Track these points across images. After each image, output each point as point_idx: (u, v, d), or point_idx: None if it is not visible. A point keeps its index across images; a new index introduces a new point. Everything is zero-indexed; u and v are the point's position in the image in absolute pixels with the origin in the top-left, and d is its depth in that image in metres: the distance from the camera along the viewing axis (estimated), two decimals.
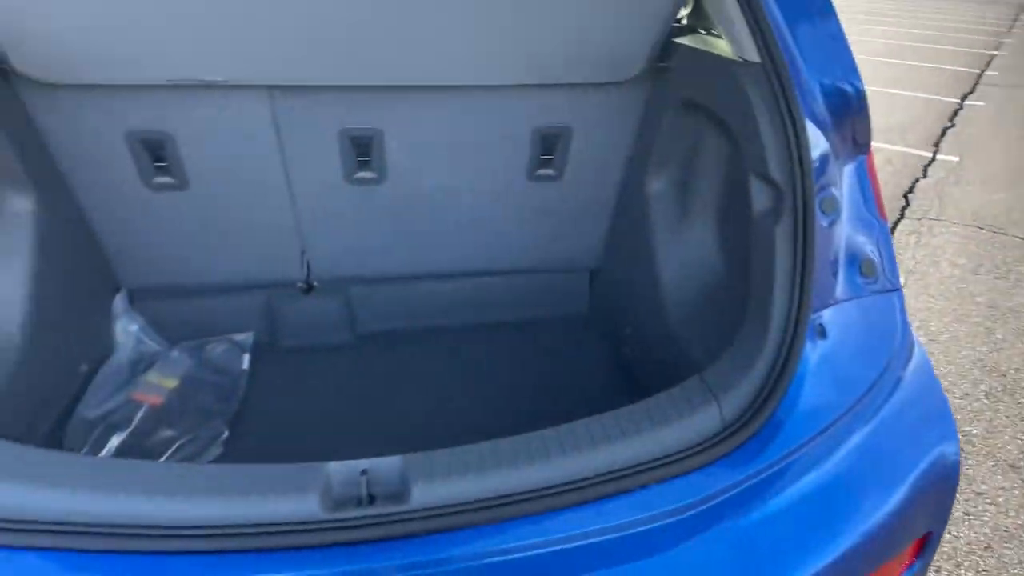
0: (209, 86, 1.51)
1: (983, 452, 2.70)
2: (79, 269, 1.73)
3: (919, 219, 4.84)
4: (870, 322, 1.30)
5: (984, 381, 3.11)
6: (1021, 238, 4.60)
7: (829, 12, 1.29)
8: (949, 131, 7.14)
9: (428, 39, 1.44)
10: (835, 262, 1.28)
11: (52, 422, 1.58)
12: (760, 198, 1.27)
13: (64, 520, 0.91)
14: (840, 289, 1.28)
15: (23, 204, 1.50)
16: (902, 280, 3.94)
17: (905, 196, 5.24)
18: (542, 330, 2.18)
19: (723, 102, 1.37)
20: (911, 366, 1.30)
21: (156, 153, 1.67)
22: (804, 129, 1.20)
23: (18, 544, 0.90)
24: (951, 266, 4.19)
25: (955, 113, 7.91)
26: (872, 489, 1.17)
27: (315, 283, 2.05)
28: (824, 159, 1.28)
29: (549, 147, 1.84)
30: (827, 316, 1.25)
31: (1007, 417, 2.89)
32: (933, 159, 6.16)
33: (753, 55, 1.25)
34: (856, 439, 1.19)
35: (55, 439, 1.58)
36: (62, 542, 0.90)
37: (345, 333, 2.11)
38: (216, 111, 1.61)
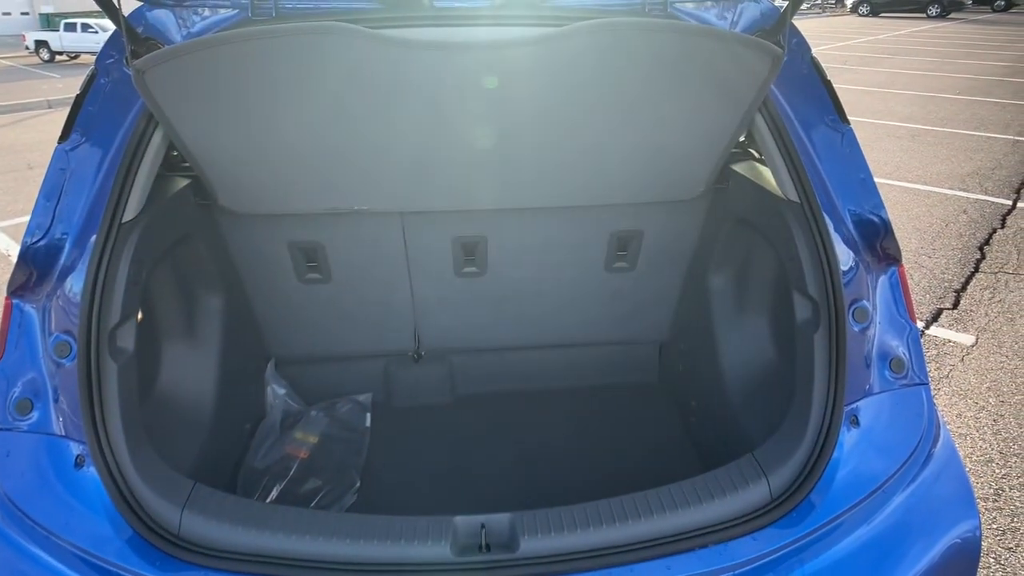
0: (357, 211, 1.94)
1: None
2: (245, 346, 2.18)
3: (995, 273, 4.83)
4: (899, 411, 1.54)
5: None
6: None
7: (860, 161, 1.58)
8: None
9: (527, 178, 1.81)
10: (868, 361, 1.54)
11: (229, 472, 2.01)
12: (801, 309, 1.56)
13: (279, 556, 1.28)
14: (872, 383, 1.53)
15: (215, 302, 1.95)
16: (973, 339, 4.00)
17: (981, 248, 5.23)
18: (617, 395, 2.49)
19: (770, 228, 1.67)
20: (937, 449, 1.53)
21: (309, 256, 2.11)
22: (836, 257, 1.49)
23: (244, 571, 1.27)
24: None
25: None
26: (901, 557, 1.40)
27: (423, 353, 2.44)
28: (856, 275, 1.55)
29: (623, 245, 2.19)
30: (861, 406, 1.51)
31: None
32: (1013, 208, 6.09)
33: (793, 196, 1.55)
34: (888, 511, 1.43)
35: (231, 485, 2.00)
36: (271, 570, 1.27)
37: (447, 395, 2.49)
38: (359, 227, 2.04)
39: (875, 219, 1.56)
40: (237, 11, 1.69)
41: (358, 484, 2.06)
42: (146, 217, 1.56)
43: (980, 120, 9.51)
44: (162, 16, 1.68)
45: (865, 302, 1.54)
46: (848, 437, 1.48)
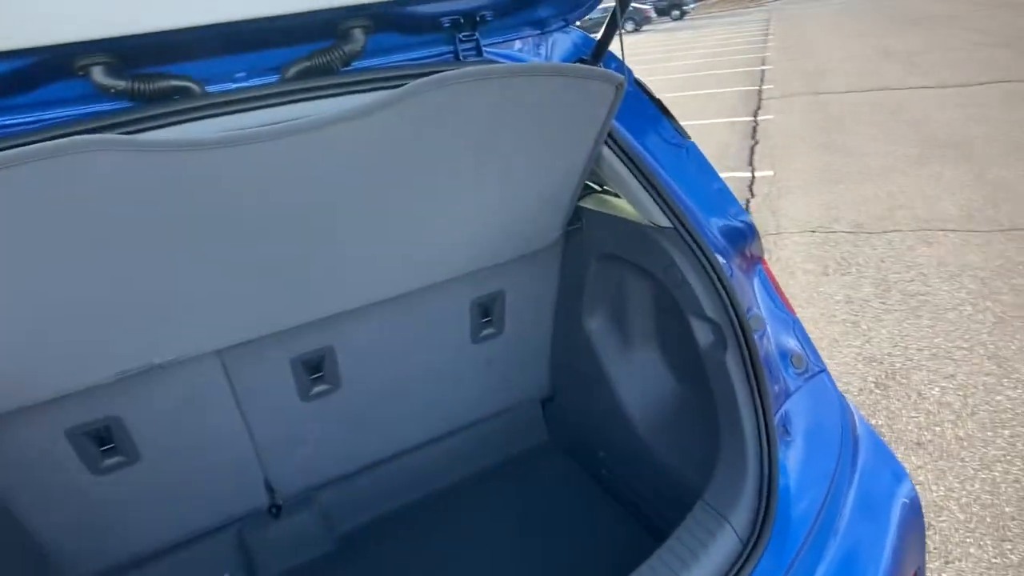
0: (157, 366, 1.49)
1: (891, 439, 3.07)
2: None
3: (763, 237, 5.45)
4: (816, 406, 1.53)
5: (870, 373, 3.55)
6: (847, 232, 5.32)
7: (711, 171, 1.56)
8: (756, 148, 8.12)
9: (367, 269, 1.52)
10: (772, 366, 1.51)
11: None
12: (703, 334, 1.48)
13: None
14: (785, 387, 1.50)
15: None
16: None
17: None
18: (515, 468, 2.27)
19: (645, 257, 1.59)
20: (859, 432, 1.54)
21: (102, 439, 1.59)
22: (724, 273, 1.43)
23: None
24: (804, 273, 4.74)
25: (754, 130, 9.02)
26: (874, 546, 1.37)
27: (282, 503, 2.01)
28: (739, 284, 1.52)
29: (486, 311, 1.99)
30: (786, 414, 1.47)
31: (898, 400, 3.31)
32: (753, 178, 6.98)
33: (663, 220, 1.48)
34: (848, 506, 1.39)
35: None
36: None
37: (326, 541, 2.07)
38: (164, 383, 1.58)
39: (740, 225, 1.55)
40: None
41: None
42: None
43: (701, 109, 10.91)
44: None
45: (755, 309, 1.51)
46: (785, 449, 1.42)
